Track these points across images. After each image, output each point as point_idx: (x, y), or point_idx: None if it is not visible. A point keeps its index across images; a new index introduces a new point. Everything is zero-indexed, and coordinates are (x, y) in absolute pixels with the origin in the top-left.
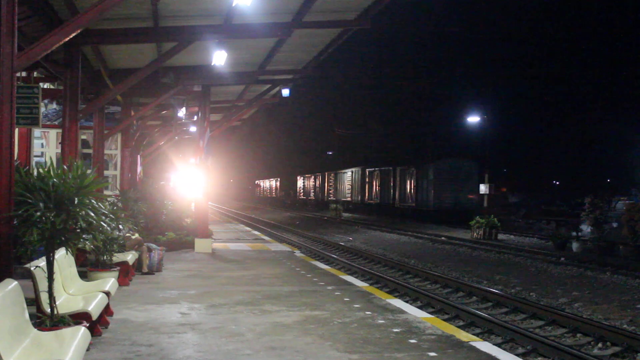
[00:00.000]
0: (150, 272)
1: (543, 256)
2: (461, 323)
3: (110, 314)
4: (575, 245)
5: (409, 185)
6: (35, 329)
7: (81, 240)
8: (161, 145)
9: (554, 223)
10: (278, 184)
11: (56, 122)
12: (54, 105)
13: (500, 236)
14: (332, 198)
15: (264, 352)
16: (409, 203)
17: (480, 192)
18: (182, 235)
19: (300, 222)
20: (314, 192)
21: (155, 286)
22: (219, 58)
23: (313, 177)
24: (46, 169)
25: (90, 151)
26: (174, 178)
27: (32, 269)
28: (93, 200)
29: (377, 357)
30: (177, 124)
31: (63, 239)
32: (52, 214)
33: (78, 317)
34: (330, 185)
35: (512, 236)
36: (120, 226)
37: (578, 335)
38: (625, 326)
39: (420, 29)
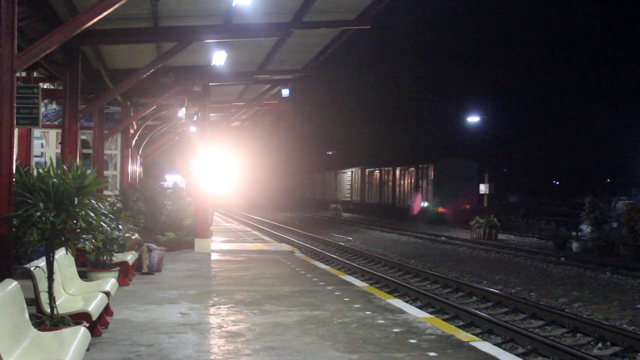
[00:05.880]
0: (150, 272)
1: (543, 256)
2: (461, 323)
3: (110, 314)
4: (575, 245)
5: (409, 185)
6: (35, 329)
7: (81, 240)
8: (161, 145)
9: (554, 223)
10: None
11: (56, 122)
12: (54, 105)
13: (500, 236)
14: (331, 198)
15: (264, 352)
16: (409, 203)
17: (480, 192)
18: (182, 235)
19: (300, 222)
20: (313, 192)
21: (155, 286)
22: (219, 58)
23: (313, 177)
24: (46, 169)
25: (90, 151)
26: (174, 178)
27: (32, 269)
28: (93, 201)
29: (377, 357)
30: (177, 124)
31: (63, 239)
32: (52, 214)
33: (78, 317)
34: (330, 185)
35: (512, 236)
36: (120, 226)
37: (578, 335)
38: (625, 326)
39: (421, 28)
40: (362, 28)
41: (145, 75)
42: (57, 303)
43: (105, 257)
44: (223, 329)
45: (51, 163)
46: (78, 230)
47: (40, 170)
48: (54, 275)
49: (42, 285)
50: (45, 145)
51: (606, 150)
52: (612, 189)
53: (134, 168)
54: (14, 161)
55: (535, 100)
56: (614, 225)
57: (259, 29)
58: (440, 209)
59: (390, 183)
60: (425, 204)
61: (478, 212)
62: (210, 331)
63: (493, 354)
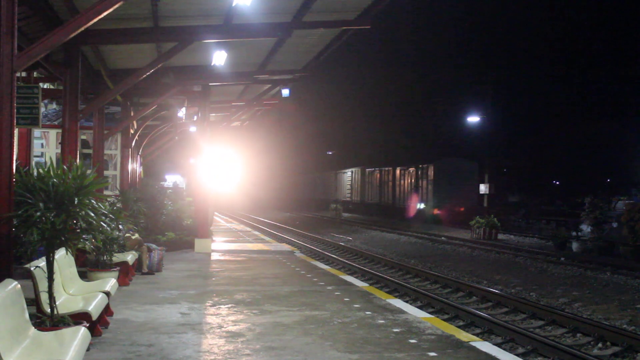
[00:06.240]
0: (150, 272)
1: (543, 256)
2: (461, 323)
3: (110, 314)
4: (575, 245)
5: (409, 186)
6: (35, 329)
7: (81, 240)
8: (161, 145)
9: (554, 223)
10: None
11: (56, 122)
12: (54, 105)
13: (500, 236)
14: (331, 198)
15: (263, 352)
16: (408, 203)
17: (480, 192)
18: (182, 235)
19: (300, 222)
20: (313, 192)
21: (155, 286)
22: (219, 58)
23: (313, 177)
24: (46, 169)
25: (90, 151)
26: (174, 178)
27: (32, 269)
28: (93, 201)
29: (377, 357)
30: (177, 124)
31: (63, 239)
32: (52, 214)
33: (78, 317)
34: (330, 185)
35: (512, 236)
36: (120, 226)
37: (578, 335)
38: (625, 326)
39: (421, 28)
40: (362, 28)
41: (145, 75)
42: (57, 303)
43: (105, 257)
44: (223, 329)
45: (51, 163)
46: (78, 230)
47: (40, 170)
48: (54, 275)
49: (42, 285)
50: (45, 145)
51: (606, 150)
52: (612, 189)
53: (134, 168)
54: (14, 161)
55: (535, 100)
56: (614, 225)
57: (259, 29)
58: (436, 211)
59: (390, 183)
60: (422, 206)
61: (473, 214)
62: (210, 331)
63: (493, 354)
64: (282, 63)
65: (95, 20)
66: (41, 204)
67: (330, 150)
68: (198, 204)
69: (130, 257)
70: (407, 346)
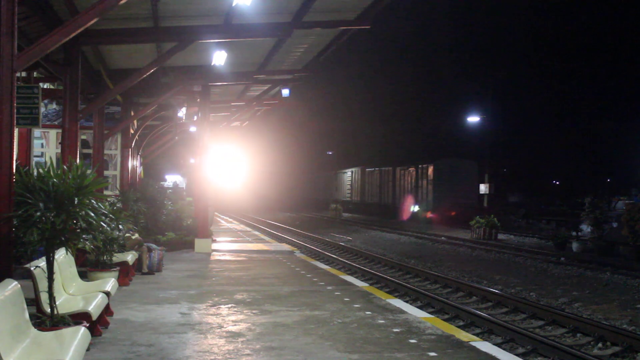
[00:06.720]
0: (150, 272)
1: (543, 256)
2: (461, 323)
3: (110, 314)
4: (575, 245)
5: (409, 185)
6: (35, 329)
7: (81, 240)
8: (161, 145)
9: (554, 223)
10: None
11: (56, 122)
12: (54, 105)
13: (500, 236)
14: (331, 198)
15: (264, 352)
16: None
17: (480, 192)
18: (182, 235)
19: (300, 222)
20: (313, 192)
21: (155, 286)
22: (219, 58)
23: (313, 176)
24: (46, 169)
25: (90, 151)
26: (174, 178)
27: (32, 269)
28: (93, 201)
29: (377, 357)
30: (177, 124)
31: (63, 239)
32: (52, 214)
33: (78, 317)
34: (330, 185)
35: (512, 236)
36: (120, 226)
37: (578, 335)
38: (625, 326)
39: (421, 28)
40: (362, 28)
41: (145, 75)
42: (57, 303)
43: (105, 257)
44: (223, 329)
45: (51, 163)
46: (78, 230)
47: (40, 170)
48: (54, 275)
49: (42, 285)
50: (45, 145)
51: (606, 150)
52: (612, 189)
53: (134, 168)
54: (14, 161)
55: (535, 99)
56: (614, 225)
57: (259, 29)
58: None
59: (390, 183)
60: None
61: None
62: (210, 331)
63: (493, 354)
64: (282, 63)
65: (95, 20)
66: (41, 204)
67: (330, 150)
68: (198, 204)
69: (130, 257)
70: (407, 346)
